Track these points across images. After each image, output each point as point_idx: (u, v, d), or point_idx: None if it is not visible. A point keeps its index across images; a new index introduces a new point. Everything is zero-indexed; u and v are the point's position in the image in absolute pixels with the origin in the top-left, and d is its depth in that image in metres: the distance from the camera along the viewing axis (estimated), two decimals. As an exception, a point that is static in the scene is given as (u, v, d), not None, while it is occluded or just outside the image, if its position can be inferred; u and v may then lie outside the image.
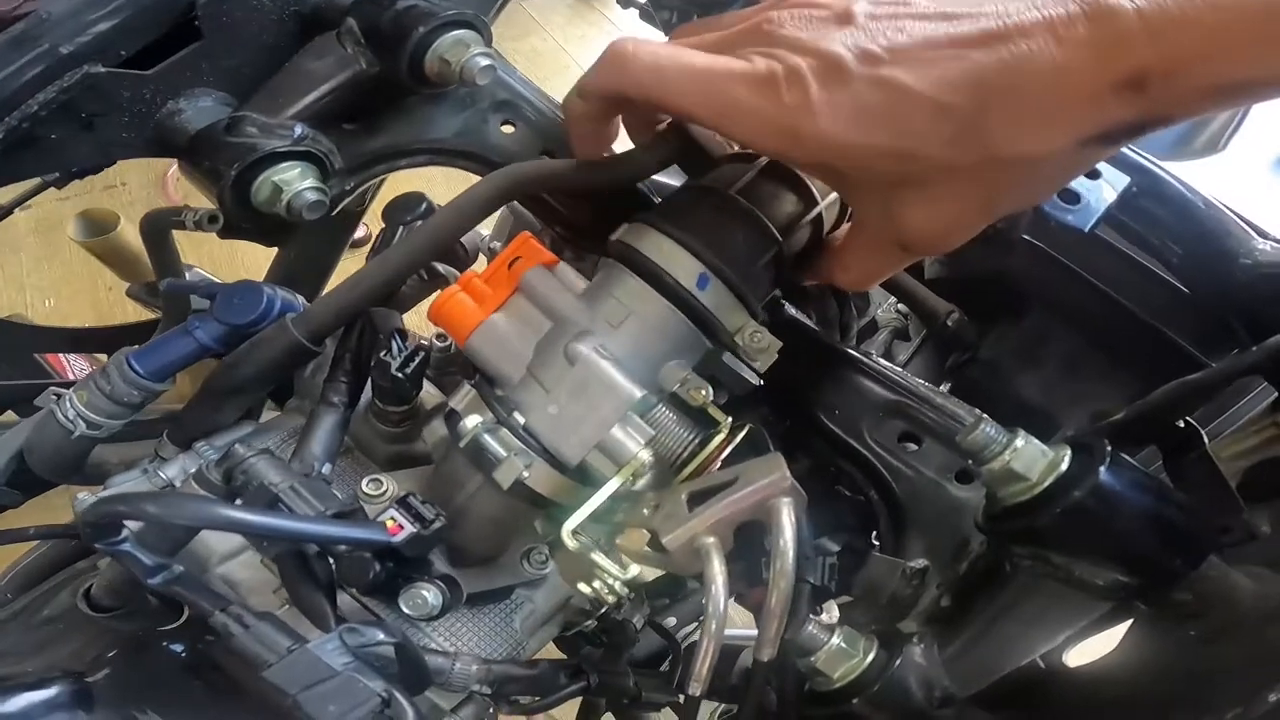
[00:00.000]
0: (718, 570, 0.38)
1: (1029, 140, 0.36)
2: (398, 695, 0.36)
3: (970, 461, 0.40)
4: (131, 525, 0.38)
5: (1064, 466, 0.38)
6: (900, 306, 0.88)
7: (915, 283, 0.76)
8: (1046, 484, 0.37)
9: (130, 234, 1.40)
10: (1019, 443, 0.38)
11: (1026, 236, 0.66)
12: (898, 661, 0.41)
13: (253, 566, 0.48)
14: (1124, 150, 0.56)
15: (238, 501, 0.42)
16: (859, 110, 0.37)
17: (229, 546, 0.48)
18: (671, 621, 0.91)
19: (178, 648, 0.46)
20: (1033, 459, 0.38)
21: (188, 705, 0.45)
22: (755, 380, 0.67)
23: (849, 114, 0.37)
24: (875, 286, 0.83)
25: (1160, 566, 0.37)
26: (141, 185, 2.19)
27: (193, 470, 0.49)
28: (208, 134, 0.54)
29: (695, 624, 1.01)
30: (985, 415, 0.39)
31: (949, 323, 0.74)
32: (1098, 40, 0.33)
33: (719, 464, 0.49)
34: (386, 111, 0.60)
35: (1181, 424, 0.50)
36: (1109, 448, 0.38)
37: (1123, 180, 0.53)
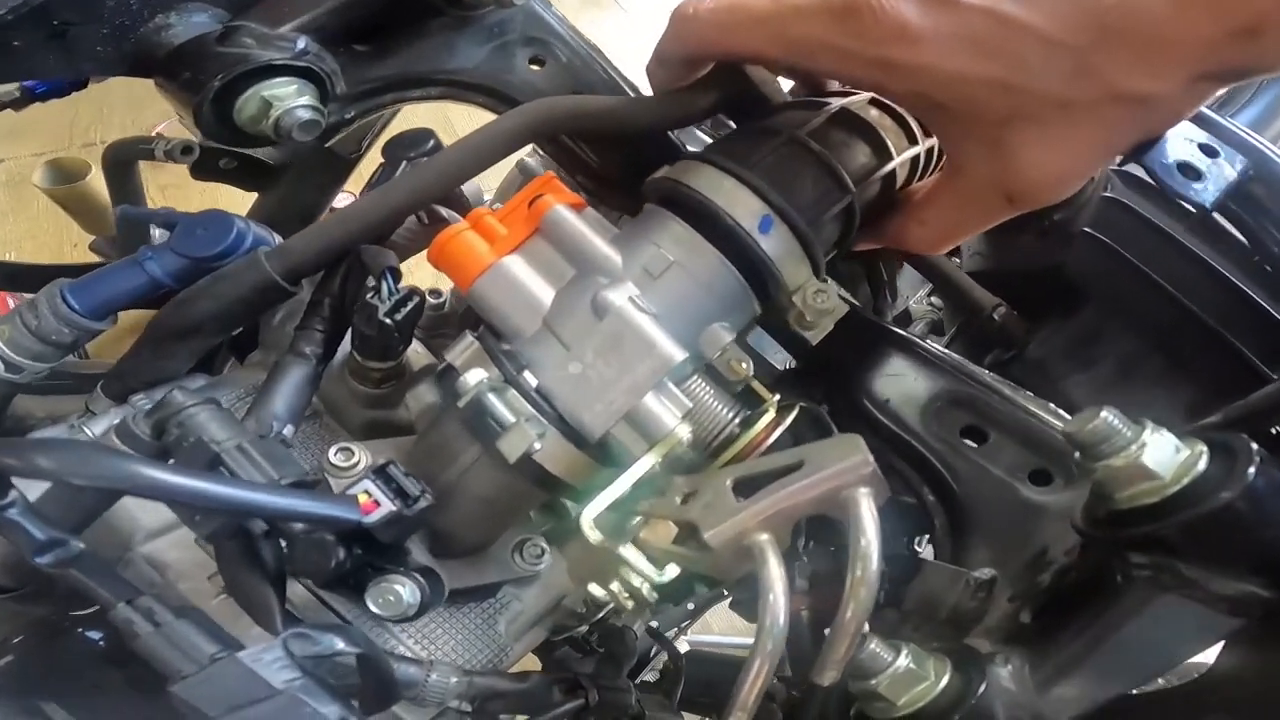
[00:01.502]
0: (776, 576, 0.30)
1: (1145, 78, 0.36)
2: (356, 722, 0.28)
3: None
4: (27, 487, 0.29)
5: (1202, 465, 0.31)
6: (934, 298, 0.82)
7: (959, 271, 0.70)
8: (1183, 484, 0.31)
9: (100, 185, 1.31)
10: (1149, 435, 0.31)
11: (1088, 229, 0.63)
12: (982, 686, 0.34)
13: (186, 546, 0.40)
14: (1238, 130, 0.52)
15: (170, 461, 0.33)
16: (967, 39, 0.36)
17: (158, 521, 0.40)
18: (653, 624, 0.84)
19: (95, 635, 0.39)
20: (1166, 454, 0.31)
21: (103, 700, 0.39)
22: (780, 366, 0.60)
23: (955, 43, 0.36)
24: (912, 272, 0.77)
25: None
26: (121, 144, 2.09)
27: (125, 425, 0.41)
28: (195, 45, 0.48)
29: (681, 627, 0.94)
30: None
31: (995, 316, 0.68)
32: None
33: (760, 451, 0.42)
34: (404, 33, 0.55)
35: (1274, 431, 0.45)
36: (1255, 445, 0.31)
37: (1241, 160, 0.49)
